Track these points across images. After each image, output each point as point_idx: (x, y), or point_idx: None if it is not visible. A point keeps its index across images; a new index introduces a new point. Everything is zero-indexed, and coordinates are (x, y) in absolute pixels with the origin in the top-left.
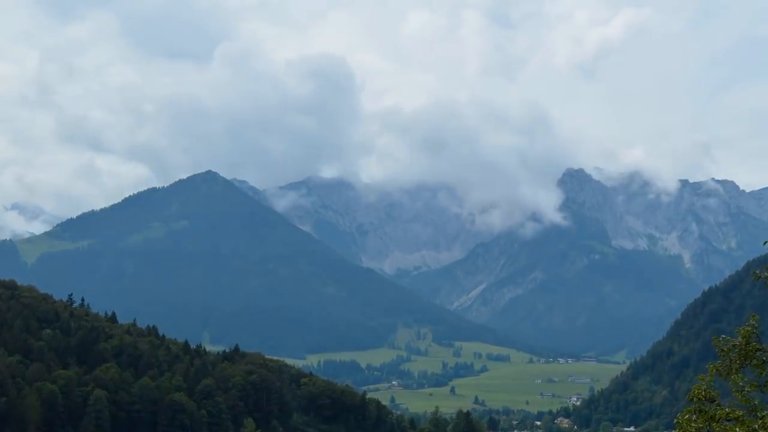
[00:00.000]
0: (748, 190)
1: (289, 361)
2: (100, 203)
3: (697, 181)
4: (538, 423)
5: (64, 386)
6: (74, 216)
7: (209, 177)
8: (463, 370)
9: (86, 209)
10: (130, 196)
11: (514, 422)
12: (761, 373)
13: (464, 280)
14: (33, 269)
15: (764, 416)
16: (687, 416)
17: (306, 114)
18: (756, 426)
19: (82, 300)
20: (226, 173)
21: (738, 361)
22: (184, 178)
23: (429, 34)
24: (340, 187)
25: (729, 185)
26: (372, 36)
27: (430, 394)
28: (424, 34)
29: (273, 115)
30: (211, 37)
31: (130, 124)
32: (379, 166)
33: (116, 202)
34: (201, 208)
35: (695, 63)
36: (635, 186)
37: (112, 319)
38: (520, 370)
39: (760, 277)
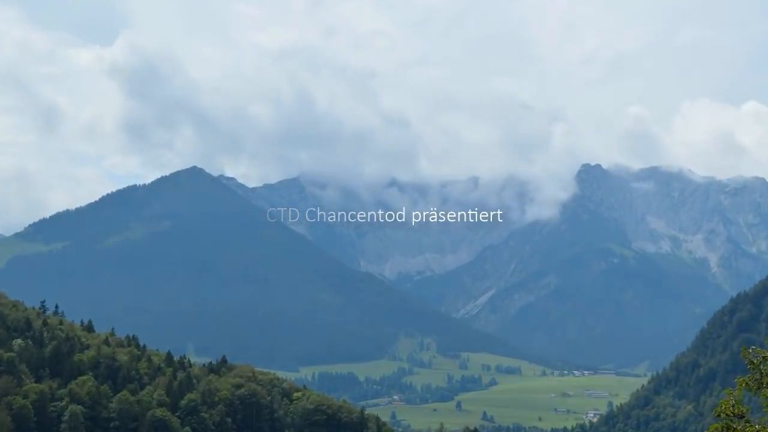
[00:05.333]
0: None
1: (281, 374)
2: (75, 202)
3: (724, 177)
4: None
5: (36, 401)
6: (47, 216)
7: (194, 173)
8: (470, 384)
9: (60, 209)
10: (108, 194)
11: None
12: None
13: (471, 286)
14: (2, 274)
15: None
16: None
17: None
18: None
19: (56, 307)
20: (212, 169)
21: None
22: (167, 174)
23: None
24: (337, 184)
25: (759, 182)
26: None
27: (434, 410)
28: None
29: (266, 108)
30: None
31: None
32: (378, 162)
33: (93, 201)
34: (185, 208)
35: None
36: (657, 183)
37: (89, 328)
38: (532, 384)
39: None
